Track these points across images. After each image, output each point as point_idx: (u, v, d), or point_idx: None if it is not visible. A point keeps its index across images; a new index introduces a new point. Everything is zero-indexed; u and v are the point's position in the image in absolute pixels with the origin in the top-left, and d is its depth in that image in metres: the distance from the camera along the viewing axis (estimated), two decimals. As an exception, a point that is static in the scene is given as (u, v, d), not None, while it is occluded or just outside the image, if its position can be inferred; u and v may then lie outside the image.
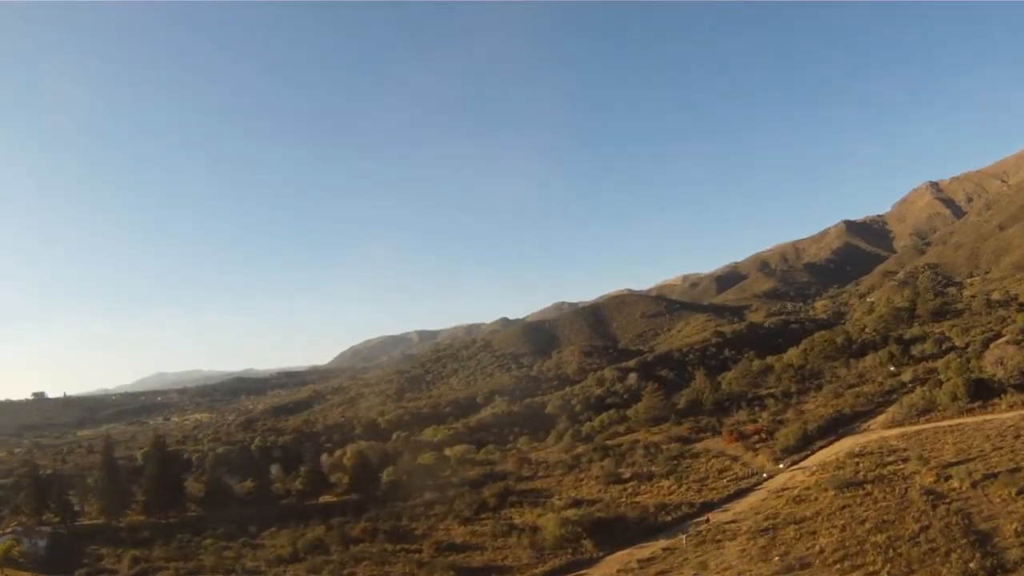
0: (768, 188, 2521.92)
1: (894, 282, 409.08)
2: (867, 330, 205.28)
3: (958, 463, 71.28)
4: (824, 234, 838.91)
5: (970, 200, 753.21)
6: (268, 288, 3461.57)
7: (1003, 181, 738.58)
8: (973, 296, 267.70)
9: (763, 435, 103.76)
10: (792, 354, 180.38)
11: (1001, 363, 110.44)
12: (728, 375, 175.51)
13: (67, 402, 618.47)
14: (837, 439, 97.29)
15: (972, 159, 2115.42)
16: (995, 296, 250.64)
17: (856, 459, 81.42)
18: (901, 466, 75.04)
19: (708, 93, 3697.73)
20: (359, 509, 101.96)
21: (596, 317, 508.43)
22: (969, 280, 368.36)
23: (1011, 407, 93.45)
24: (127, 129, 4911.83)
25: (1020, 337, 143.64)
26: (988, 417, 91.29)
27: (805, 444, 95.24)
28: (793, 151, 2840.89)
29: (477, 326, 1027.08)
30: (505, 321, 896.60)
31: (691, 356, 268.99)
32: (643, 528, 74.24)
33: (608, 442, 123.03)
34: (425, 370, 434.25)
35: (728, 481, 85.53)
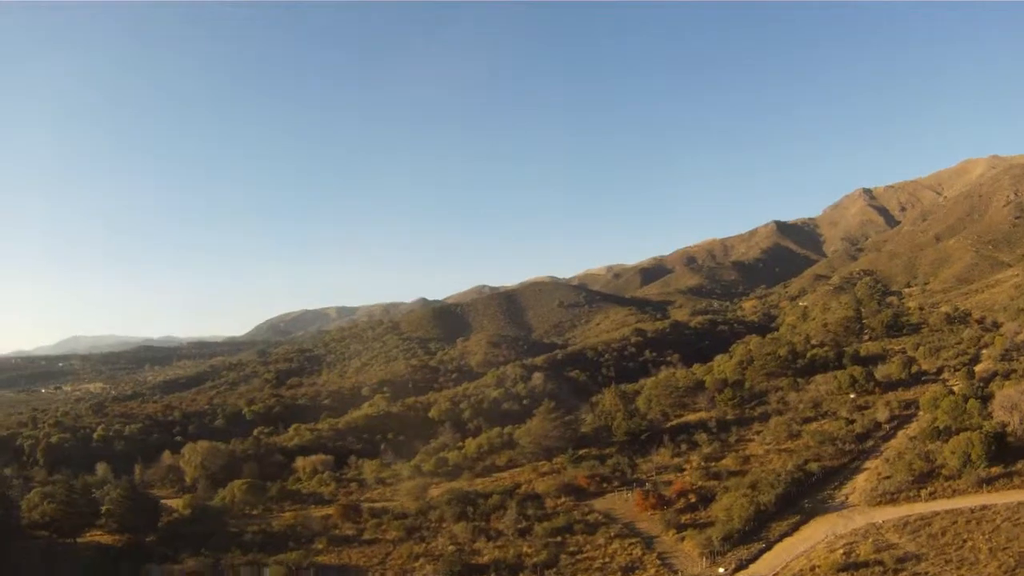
0: (700, 184, 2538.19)
1: (828, 287, 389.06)
2: (813, 342, 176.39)
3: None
4: (753, 233, 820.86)
5: (903, 209, 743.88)
6: (194, 254, 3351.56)
7: (938, 193, 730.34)
8: (922, 308, 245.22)
9: (692, 498, 71.24)
10: (726, 366, 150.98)
11: (1016, 408, 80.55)
12: (647, 389, 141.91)
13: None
14: (804, 521, 64.52)
15: (905, 169, 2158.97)
16: (943, 309, 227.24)
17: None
18: (928, 601, 44.56)
19: (644, 91, 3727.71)
20: (111, 568, 67.04)
21: (512, 304, 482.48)
22: (907, 290, 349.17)
23: (1050, 481, 63.68)
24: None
25: (1006, 366, 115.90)
26: (1021, 497, 61.13)
27: (758, 527, 62.49)
28: (727, 150, 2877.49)
29: (396, 305, 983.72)
30: (424, 302, 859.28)
31: (607, 356, 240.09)
32: None
33: (477, 484, 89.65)
34: (327, 350, 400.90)
35: (637, 596, 52.42)
